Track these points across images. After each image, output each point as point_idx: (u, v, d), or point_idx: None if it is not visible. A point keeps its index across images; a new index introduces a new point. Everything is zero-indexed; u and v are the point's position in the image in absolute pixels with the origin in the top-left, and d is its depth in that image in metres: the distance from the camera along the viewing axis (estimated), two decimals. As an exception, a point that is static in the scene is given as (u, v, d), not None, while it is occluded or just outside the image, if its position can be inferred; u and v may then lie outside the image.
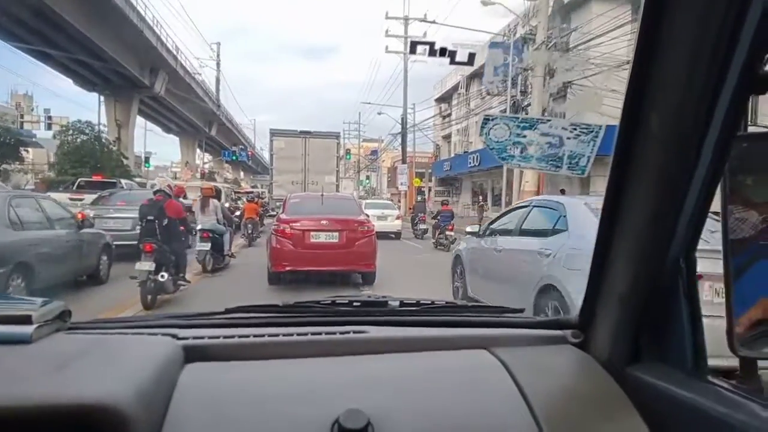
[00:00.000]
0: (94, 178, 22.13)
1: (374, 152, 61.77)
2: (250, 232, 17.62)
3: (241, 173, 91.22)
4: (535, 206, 6.75)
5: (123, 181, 21.85)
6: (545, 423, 0.97)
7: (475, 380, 1.11)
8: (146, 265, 7.26)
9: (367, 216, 10.87)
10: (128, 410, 0.80)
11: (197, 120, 53.95)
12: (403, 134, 34.62)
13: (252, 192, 26.99)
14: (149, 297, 7.38)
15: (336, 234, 9.33)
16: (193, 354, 1.10)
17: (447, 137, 39.15)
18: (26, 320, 1.00)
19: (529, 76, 20.31)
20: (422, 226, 22.67)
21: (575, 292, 4.52)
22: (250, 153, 62.19)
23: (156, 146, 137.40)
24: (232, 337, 1.20)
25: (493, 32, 25.42)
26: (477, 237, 7.99)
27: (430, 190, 39.48)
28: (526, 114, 21.23)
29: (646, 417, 0.99)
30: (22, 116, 51.50)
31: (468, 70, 29.94)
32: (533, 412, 0.99)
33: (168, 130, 60.48)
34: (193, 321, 1.36)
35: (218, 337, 1.20)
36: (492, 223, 7.96)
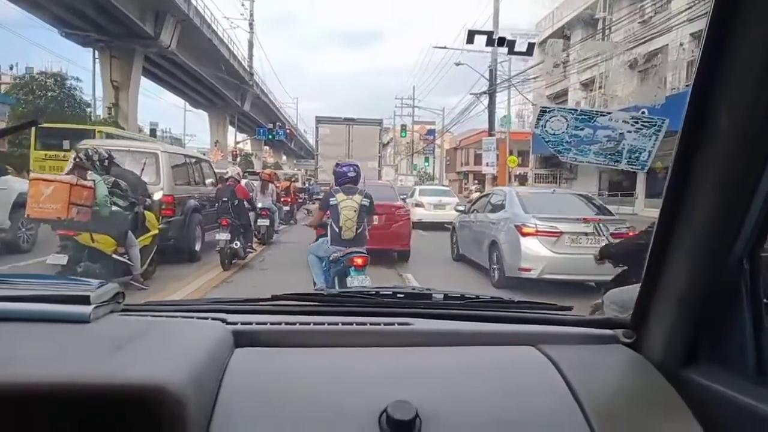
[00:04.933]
0: None
1: (431, 132, 50.34)
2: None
3: (284, 157, 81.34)
4: (493, 193, 10.17)
5: None
6: (596, 422, 0.92)
7: (523, 377, 1.05)
8: (224, 236, 8.43)
9: (417, 201, 15.22)
10: (182, 392, 0.79)
11: (226, 90, 43.46)
12: (491, 93, 23.00)
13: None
14: (226, 261, 8.51)
15: (377, 217, 8.88)
16: (242, 339, 1.08)
17: (558, 96, 26.09)
18: (85, 300, 0.99)
19: None
20: None
21: (504, 243, 7.88)
22: (289, 131, 51.51)
23: (195, 128, 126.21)
24: (279, 323, 1.18)
25: None
26: (464, 214, 10.87)
27: (522, 177, 27.47)
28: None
29: (703, 421, 0.93)
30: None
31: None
32: (584, 411, 0.94)
33: (196, 104, 50.25)
34: (241, 306, 1.33)
35: (265, 323, 1.17)
36: (473, 204, 11.04)
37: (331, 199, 5.27)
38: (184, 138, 70.65)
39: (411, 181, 41.07)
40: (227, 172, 9.85)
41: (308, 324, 1.18)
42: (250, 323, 1.16)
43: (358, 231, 5.20)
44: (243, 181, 12.98)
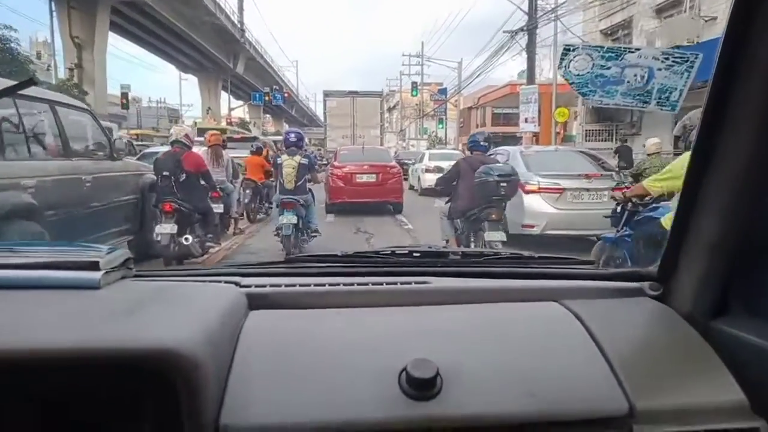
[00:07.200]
0: None
1: (442, 91, 45.00)
2: (247, 201, 10.29)
3: (285, 125, 75.94)
4: (497, 153, 8.54)
5: None
6: (624, 375, 0.88)
7: (546, 331, 1.01)
8: (167, 228, 5.88)
9: (427, 167, 15.44)
10: (197, 355, 0.76)
11: (216, 51, 38.27)
12: (531, 29, 17.88)
13: (253, 139, 15.47)
14: (173, 263, 6.05)
15: (374, 175, 11.75)
16: (257, 301, 1.05)
17: (613, 32, 19.43)
18: (94, 266, 0.96)
19: None
20: None
21: (509, 204, 6.22)
22: (287, 95, 46.37)
23: (192, 98, 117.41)
24: (294, 285, 1.13)
25: None
26: None
27: (560, 136, 22.12)
28: None
29: (736, 372, 0.90)
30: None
31: None
32: (611, 364, 0.91)
33: (184, 68, 45.09)
34: (255, 269, 1.29)
35: (280, 286, 1.13)
36: None
37: (278, 159, 6.92)
38: (181, 108, 65.57)
39: (423, 145, 36.54)
40: (171, 134, 6.87)
41: (323, 285, 1.13)
42: (264, 286, 1.12)
43: (298, 183, 6.64)
44: (200, 150, 8.20)
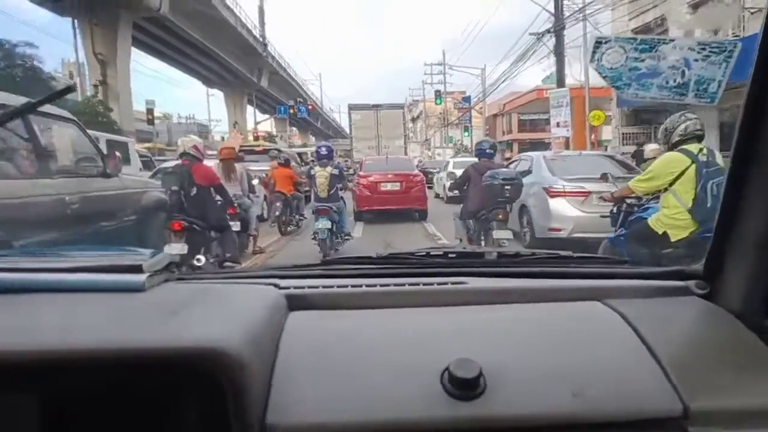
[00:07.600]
0: None
1: (465, 99, 44.18)
2: (278, 214, 10.11)
3: (312, 138, 75.86)
4: (521, 159, 9.66)
5: None
6: (676, 375, 0.83)
7: (590, 331, 0.97)
8: (176, 248, 5.13)
9: (451, 174, 14.19)
10: (242, 355, 0.76)
11: (238, 65, 38.22)
12: (557, 30, 16.95)
13: (277, 151, 13.55)
14: None
15: (398, 183, 12.22)
16: (296, 302, 1.05)
17: (645, 30, 17.09)
18: (137, 269, 0.97)
19: None
20: None
21: (534, 206, 7.83)
22: (311, 107, 46.10)
23: (221, 113, 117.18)
24: (331, 287, 1.12)
25: None
26: None
27: (593, 144, 20.86)
28: None
29: None
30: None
31: None
32: (661, 364, 0.86)
33: (208, 83, 45.21)
34: (292, 272, 1.28)
35: (317, 287, 1.12)
36: None
37: (311, 171, 7.72)
38: (210, 123, 65.87)
39: (449, 154, 36.01)
40: (179, 146, 6.22)
41: (360, 286, 1.12)
42: (303, 287, 1.11)
43: (330, 192, 7.45)
44: (210, 163, 7.56)
